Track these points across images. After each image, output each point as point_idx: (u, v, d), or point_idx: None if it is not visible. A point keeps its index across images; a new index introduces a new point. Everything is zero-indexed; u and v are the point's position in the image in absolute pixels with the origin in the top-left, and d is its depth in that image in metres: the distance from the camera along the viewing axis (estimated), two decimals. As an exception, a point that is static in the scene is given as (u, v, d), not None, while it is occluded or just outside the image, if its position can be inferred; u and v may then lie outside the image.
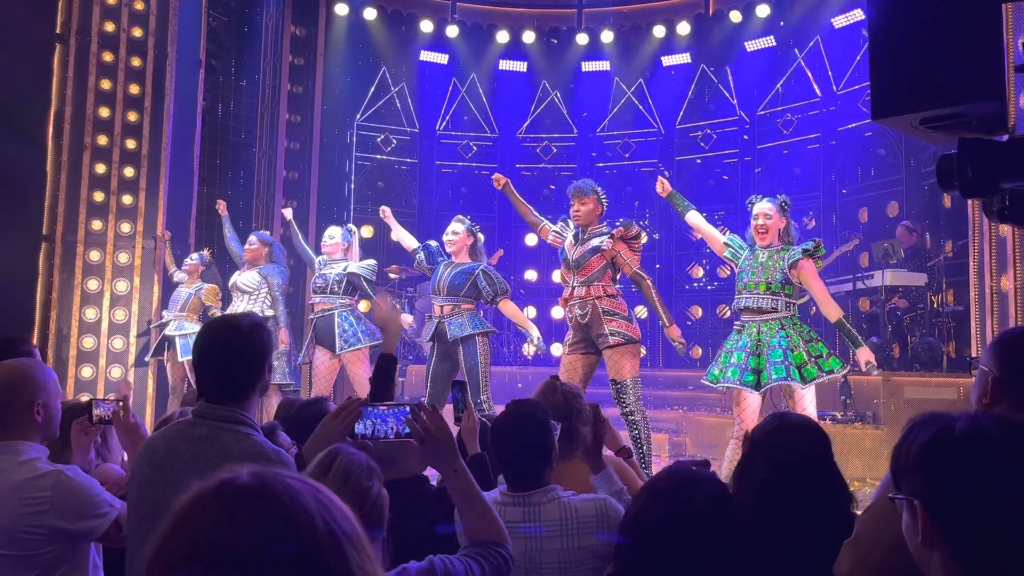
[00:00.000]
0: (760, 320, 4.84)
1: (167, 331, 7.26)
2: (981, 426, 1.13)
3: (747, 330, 4.88)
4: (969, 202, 6.16)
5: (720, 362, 4.94)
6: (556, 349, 9.80)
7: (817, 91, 10.05)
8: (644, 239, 5.41)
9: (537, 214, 5.72)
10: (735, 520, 1.59)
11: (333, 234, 6.58)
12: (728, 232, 5.41)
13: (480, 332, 5.62)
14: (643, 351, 6.42)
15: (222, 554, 0.72)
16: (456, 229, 5.85)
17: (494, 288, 5.66)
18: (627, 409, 4.99)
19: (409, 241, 6.26)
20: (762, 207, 4.96)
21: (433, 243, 6.10)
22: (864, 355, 4.67)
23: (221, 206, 7.59)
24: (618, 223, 5.30)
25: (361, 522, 1.57)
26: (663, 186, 5.33)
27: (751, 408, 4.75)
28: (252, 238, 7.08)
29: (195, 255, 7.53)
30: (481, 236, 5.97)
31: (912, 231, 8.25)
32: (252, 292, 6.83)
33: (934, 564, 1.13)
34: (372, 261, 6.60)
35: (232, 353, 2.05)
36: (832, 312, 4.78)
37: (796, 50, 10.22)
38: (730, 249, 5.11)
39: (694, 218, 5.27)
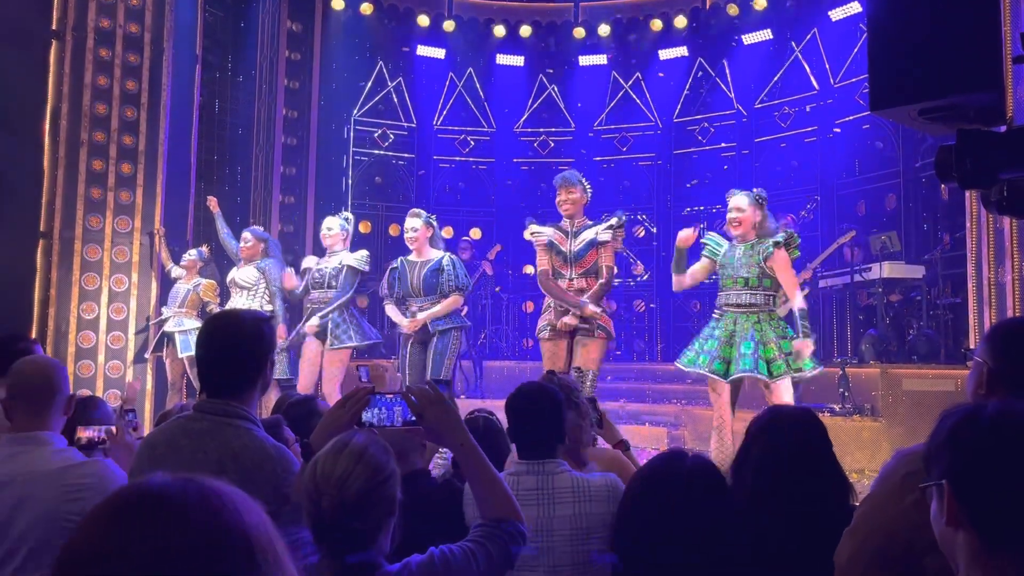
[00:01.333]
0: (738, 312, 4.91)
1: (166, 327, 7.25)
2: (1012, 407, 1.13)
3: (724, 319, 4.97)
4: (967, 194, 6.17)
5: (695, 347, 5.04)
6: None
7: (815, 84, 10.04)
8: (622, 235, 5.51)
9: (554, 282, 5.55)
10: (723, 489, 1.60)
11: (331, 225, 6.52)
12: (704, 236, 5.43)
13: (456, 327, 5.80)
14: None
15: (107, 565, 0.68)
16: (414, 225, 5.87)
17: (455, 283, 5.75)
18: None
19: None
20: (736, 201, 5.03)
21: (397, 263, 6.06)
22: (802, 346, 4.71)
23: (212, 202, 7.52)
24: (604, 216, 5.42)
25: (377, 499, 1.58)
26: (688, 238, 5.19)
27: (724, 397, 4.85)
28: (246, 235, 7.03)
29: (194, 251, 7.51)
30: (436, 225, 6.03)
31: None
32: (251, 288, 6.81)
33: (958, 546, 1.11)
34: (364, 252, 6.56)
35: (233, 348, 2.05)
36: (797, 303, 4.83)
37: (793, 43, 10.21)
38: (707, 247, 5.18)
39: (682, 279, 5.25)
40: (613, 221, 5.35)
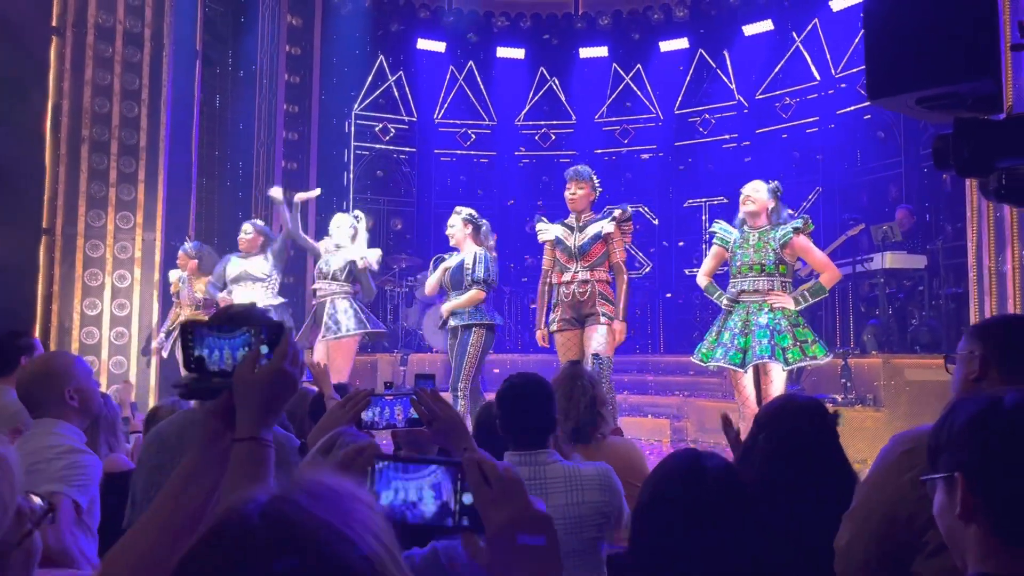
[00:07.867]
0: (752, 300, 4.90)
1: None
2: None
3: (736, 311, 4.97)
4: (967, 183, 6.17)
5: (709, 341, 5.05)
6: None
7: (816, 75, 10.03)
8: (630, 228, 5.58)
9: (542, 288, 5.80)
10: (746, 492, 1.51)
11: (340, 223, 6.59)
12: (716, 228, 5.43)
13: (478, 324, 5.74)
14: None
15: None
16: (452, 222, 5.94)
17: (471, 276, 5.74)
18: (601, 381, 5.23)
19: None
20: (751, 185, 5.06)
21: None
22: (781, 298, 4.82)
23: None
24: (609, 208, 5.49)
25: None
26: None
27: (749, 388, 4.83)
28: (247, 226, 7.00)
29: (189, 246, 7.27)
30: (483, 223, 6.01)
31: (913, 214, 8.27)
32: (265, 280, 6.76)
33: (969, 539, 1.07)
34: (378, 251, 6.60)
35: None
36: (830, 278, 4.89)
37: (794, 34, 10.19)
38: (716, 236, 5.20)
39: (705, 282, 5.33)
40: (616, 213, 5.42)
